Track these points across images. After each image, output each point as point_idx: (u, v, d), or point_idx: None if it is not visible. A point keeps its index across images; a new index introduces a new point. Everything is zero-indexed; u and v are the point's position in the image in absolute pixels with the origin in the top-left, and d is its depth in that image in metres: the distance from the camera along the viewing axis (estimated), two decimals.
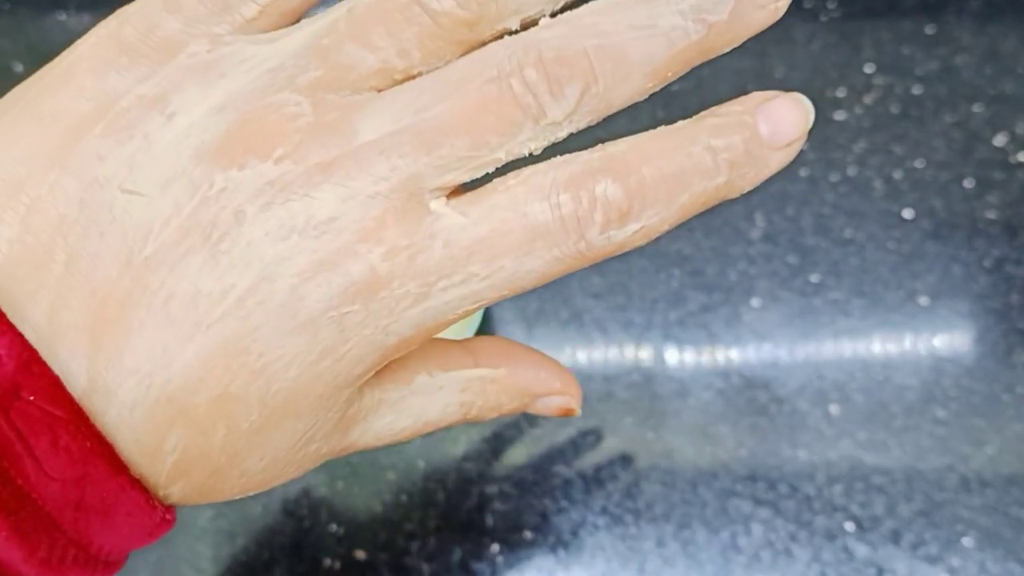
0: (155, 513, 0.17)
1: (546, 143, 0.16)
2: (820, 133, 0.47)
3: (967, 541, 0.39)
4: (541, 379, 0.21)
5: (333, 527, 0.40)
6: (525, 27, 0.17)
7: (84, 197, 0.16)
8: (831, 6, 0.50)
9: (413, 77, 0.17)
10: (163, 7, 0.17)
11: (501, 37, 0.17)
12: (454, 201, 0.16)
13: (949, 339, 0.43)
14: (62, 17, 0.50)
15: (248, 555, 0.39)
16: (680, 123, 0.17)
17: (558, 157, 0.17)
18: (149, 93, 0.16)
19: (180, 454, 0.17)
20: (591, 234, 0.16)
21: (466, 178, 0.16)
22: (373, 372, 0.17)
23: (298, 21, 0.18)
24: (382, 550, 0.39)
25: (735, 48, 0.17)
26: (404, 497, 0.40)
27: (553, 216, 0.16)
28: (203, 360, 0.16)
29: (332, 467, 0.40)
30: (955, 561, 0.39)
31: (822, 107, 0.47)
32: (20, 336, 0.15)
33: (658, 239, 0.18)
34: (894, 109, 0.47)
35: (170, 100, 0.16)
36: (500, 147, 0.16)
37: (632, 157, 0.16)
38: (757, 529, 0.39)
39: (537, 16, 0.17)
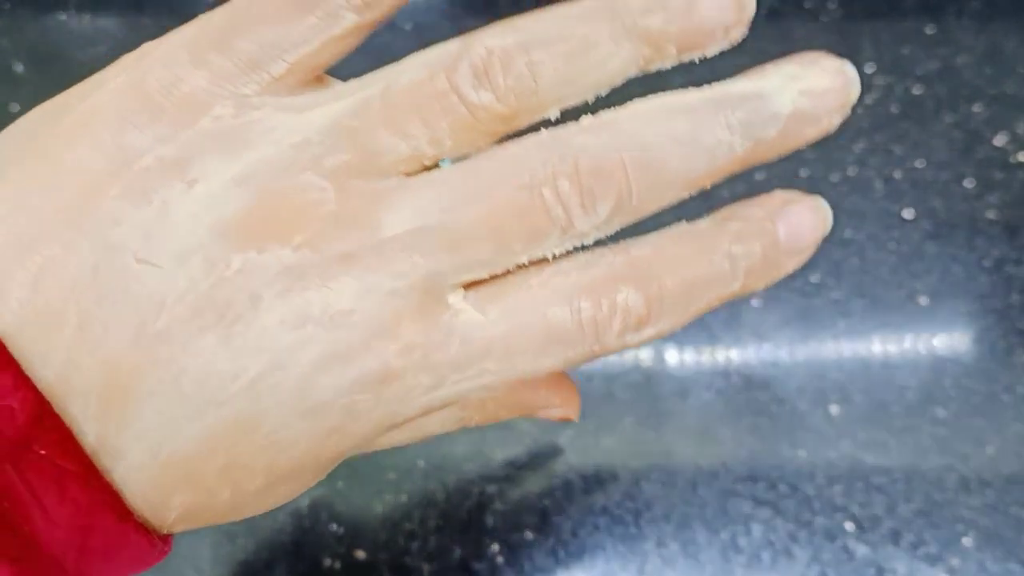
0: (155, 549, 0.17)
1: (570, 248, 0.16)
2: None
3: (967, 541, 0.39)
4: (540, 396, 0.20)
5: (333, 527, 0.40)
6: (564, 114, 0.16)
7: (98, 263, 0.15)
8: (831, 6, 0.50)
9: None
10: (189, 60, 0.16)
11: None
12: (472, 294, 0.16)
13: (949, 339, 0.43)
14: (62, 17, 0.50)
15: (248, 555, 0.39)
16: (703, 223, 0.17)
17: (581, 255, 0.16)
18: (169, 156, 0.16)
19: (185, 509, 0.17)
20: (607, 338, 0.16)
21: (485, 276, 0.16)
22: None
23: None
24: (382, 550, 0.39)
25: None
26: (404, 497, 0.40)
27: (572, 321, 0.16)
28: (212, 434, 0.16)
29: None
30: (955, 561, 0.39)
31: None
32: (34, 390, 0.15)
33: None
34: (894, 109, 0.47)
35: (191, 166, 0.16)
36: (523, 253, 0.16)
37: (655, 264, 0.16)
38: (757, 529, 0.39)
39: (579, 103, 0.16)
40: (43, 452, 0.15)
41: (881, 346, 0.43)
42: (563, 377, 0.21)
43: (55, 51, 0.49)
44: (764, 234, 0.16)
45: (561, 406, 0.21)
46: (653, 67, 0.16)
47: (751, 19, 0.16)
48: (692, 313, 0.16)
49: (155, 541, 0.17)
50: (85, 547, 0.16)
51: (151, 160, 0.16)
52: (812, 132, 0.16)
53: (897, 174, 0.46)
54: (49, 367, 0.16)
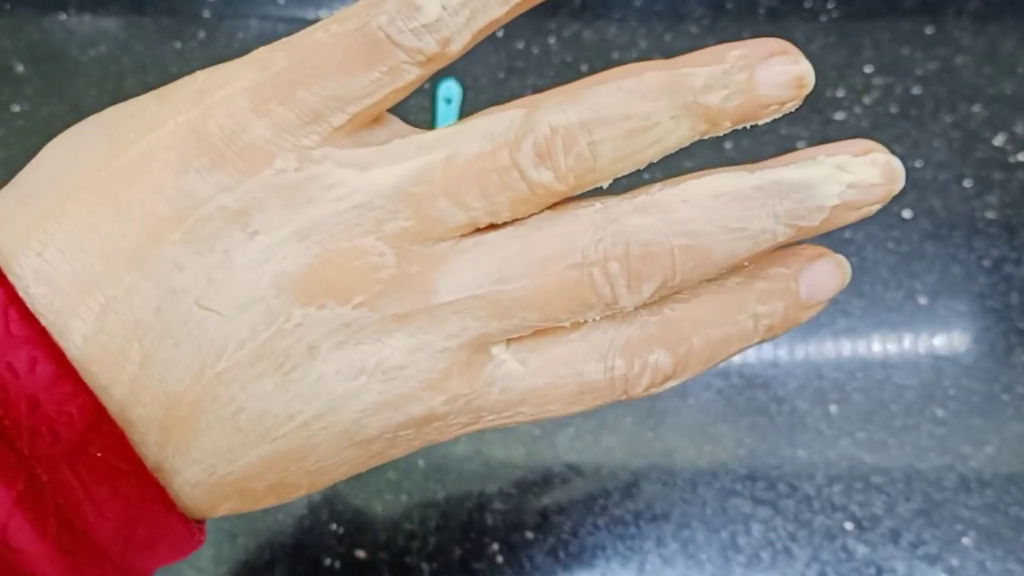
0: (192, 538, 0.18)
1: (609, 314, 0.17)
2: (820, 133, 0.47)
3: (966, 541, 0.39)
4: None
5: (333, 527, 0.40)
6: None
7: (161, 305, 0.16)
8: (831, 6, 0.50)
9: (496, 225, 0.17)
10: (251, 108, 0.16)
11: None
12: (515, 346, 0.17)
13: (948, 339, 0.43)
14: (62, 17, 0.50)
15: (249, 555, 0.39)
16: (732, 280, 0.17)
17: (619, 317, 0.17)
18: (232, 206, 0.16)
19: (229, 511, 0.18)
20: (634, 391, 0.17)
21: (528, 333, 0.17)
22: None
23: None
24: (382, 550, 0.39)
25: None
26: (404, 497, 0.40)
27: (605, 377, 0.17)
28: (265, 461, 0.17)
29: None
30: (954, 561, 0.39)
31: (822, 107, 0.47)
32: (93, 398, 0.16)
33: None
34: (894, 109, 0.47)
35: (253, 217, 0.16)
36: (566, 320, 0.17)
37: (686, 325, 0.17)
38: (757, 529, 0.39)
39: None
40: (99, 455, 0.16)
41: (880, 346, 0.43)
42: None
43: (55, 51, 0.49)
44: (787, 294, 0.17)
45: None
46: (706, 137, 0.16)
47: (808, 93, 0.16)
48: (712, 365, 0.17)
49: (193, 530, 0.18)
50: (131, 538, 0.17)
51: (213, 208, 0.16)
52: (852, 218, 0.16)
53: None
54: (111, 399, 0.16)
